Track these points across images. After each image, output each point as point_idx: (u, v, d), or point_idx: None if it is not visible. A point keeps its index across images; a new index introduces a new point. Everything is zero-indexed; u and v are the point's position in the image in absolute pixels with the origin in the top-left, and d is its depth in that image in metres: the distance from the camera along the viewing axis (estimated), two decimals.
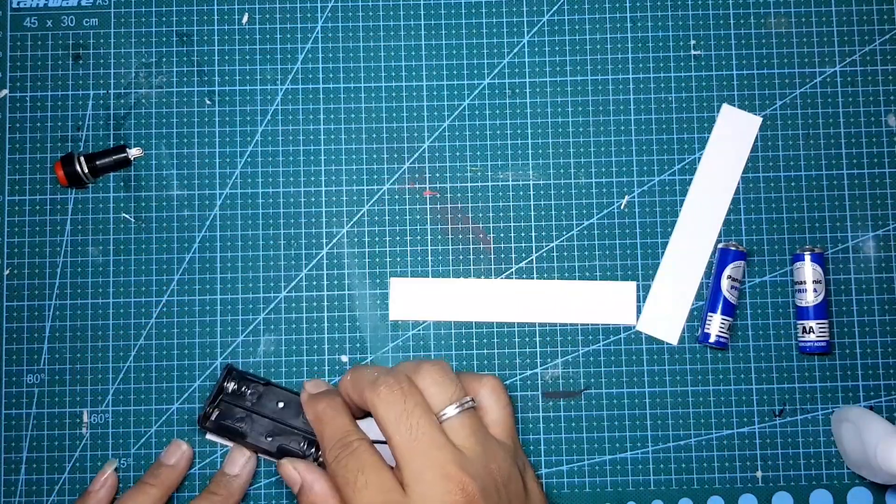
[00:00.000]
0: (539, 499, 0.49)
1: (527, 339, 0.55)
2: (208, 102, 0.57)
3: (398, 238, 0.56)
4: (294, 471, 0.50)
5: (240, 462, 0.54)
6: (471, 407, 0.48)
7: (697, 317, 0.55)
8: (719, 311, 0.54)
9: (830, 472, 0.54)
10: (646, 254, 0.55)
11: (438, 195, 0.56)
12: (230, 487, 0.53)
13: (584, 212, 0.56)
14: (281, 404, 0.53)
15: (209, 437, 0.54)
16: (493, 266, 0.56)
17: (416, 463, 0.45)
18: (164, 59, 0.57)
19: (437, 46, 0.57)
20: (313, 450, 0.52)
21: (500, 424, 0.49)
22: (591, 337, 0.55)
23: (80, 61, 0.57)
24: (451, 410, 0.47)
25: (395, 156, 0.56)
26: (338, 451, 0.48)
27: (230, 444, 0.54)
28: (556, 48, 0.57)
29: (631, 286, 0.55)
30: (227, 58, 0.57)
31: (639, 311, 0.55)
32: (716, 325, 0.54)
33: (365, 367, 0.50)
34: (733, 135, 0.56)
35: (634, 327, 0.55)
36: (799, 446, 0.54)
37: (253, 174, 0.56)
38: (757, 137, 0.56)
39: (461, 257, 0.56)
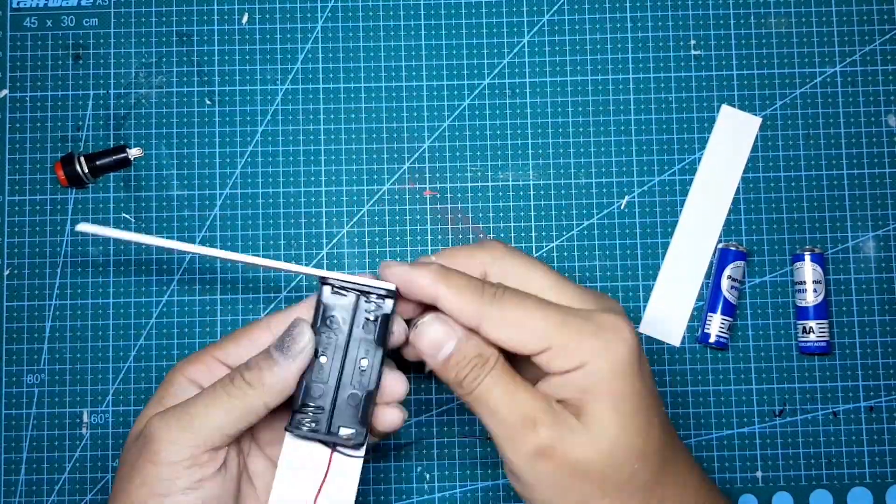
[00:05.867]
0: None
1: None
2: (208, 102, 0.57)
3: (398, 238, 0.56)
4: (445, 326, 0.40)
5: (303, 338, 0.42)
6: None
7: (698, 317, 0.55)
8: (719, 311, 0.54)
9: (830, 473, 0.54)
10: (646, 254, 0.55)
11: (438, 195, 0.56)
12: (273, 376, 0.40)
13: (584, 212, 0.56)
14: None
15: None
16: None
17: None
18: (164, 59, 0.57)
19: (437, 46, 0.57)
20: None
21: None
22: None
23: (80, 61, 0.57)
24: None
25: (395, 156, 0.56)
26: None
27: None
28: (556, 48, 0.57)
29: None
30: (227, 58, 0.57)
31: (641, 311, 0.55)
32: (716, 325, 0.54)
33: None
34: (733, 135, 0.56)
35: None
36: (799, 446, 0.54)
37: (253, 174, 0.56)
38: (757, 137, 0.56)
39: None
